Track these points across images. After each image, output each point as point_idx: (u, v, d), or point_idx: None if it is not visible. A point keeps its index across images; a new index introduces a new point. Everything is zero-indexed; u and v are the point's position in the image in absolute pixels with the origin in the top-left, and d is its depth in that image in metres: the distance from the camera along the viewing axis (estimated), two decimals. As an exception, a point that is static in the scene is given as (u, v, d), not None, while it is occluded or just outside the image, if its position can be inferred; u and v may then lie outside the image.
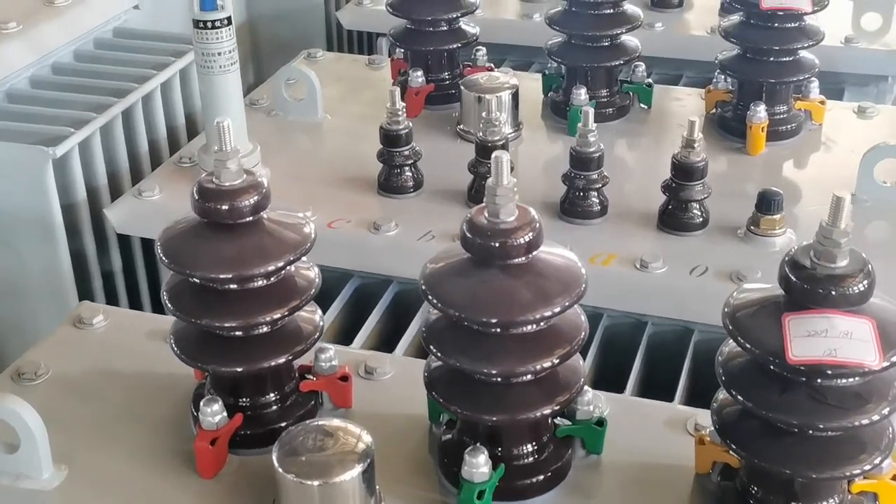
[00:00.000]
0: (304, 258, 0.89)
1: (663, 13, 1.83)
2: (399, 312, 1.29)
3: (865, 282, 0.73)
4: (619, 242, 1.22)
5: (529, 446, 0.86)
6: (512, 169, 1.26)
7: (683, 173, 1.20)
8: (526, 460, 0.86)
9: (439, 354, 0.82)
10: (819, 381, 0.74)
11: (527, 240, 0.79)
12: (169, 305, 0.88)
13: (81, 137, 1.34)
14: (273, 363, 0.89)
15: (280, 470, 0.77)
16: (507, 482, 0.83)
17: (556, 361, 0.80)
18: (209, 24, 1.25)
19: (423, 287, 0.82)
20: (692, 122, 1.19)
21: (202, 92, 1.31)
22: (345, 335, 1.26)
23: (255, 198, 0.86)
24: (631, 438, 0.92)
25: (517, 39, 1.87)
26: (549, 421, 0.87)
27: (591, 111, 1.22)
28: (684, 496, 0.87)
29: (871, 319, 0.73)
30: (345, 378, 0.95)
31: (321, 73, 1.64)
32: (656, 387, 1.18)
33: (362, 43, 2.14)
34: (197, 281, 0.86)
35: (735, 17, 1.40)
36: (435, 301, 0.81)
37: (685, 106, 1.53)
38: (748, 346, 0.75)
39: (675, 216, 1.22)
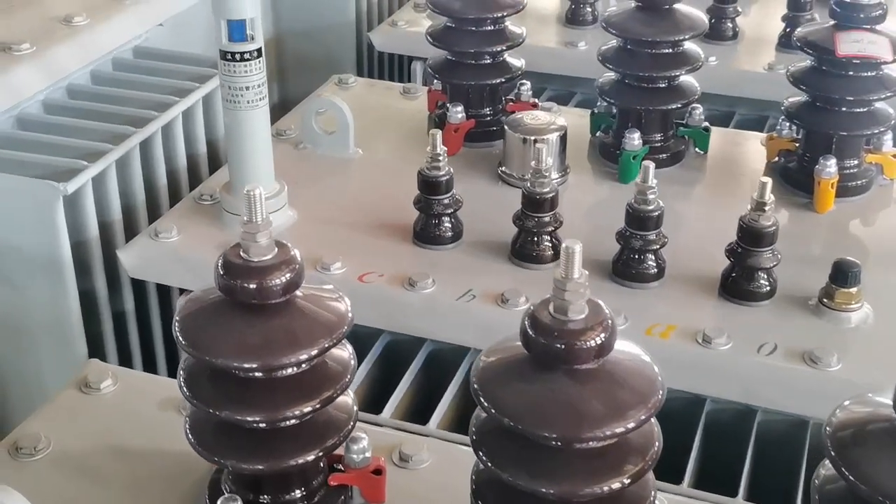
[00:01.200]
0: (338, 339, 0.79)
1: (717, 46, 1.72)
2: (433, 373, 1.19)
3: None
4: (678, 311, 1.11)
5: (588, 569, 0.75)
6: (560, 225, 1.18)
7: (751, 238, 1.09)
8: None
9: (490, 465, 0.72)
10: (938, 525, 0.64)
11: (598, 342, 0.69)
12: (185, 390, 0.78)
13: (95, 171, 1.24)
14: (301, 461, 0.79)
15: None
16: None
17: (627, 482, 0.70)
18: (237, 56, 1.15)
19: (476, 386, 0.72)
20: (763, 184, 1.08)
21: (227, 126, 1.21)
22: (374, 399, 1.16)
23: (287, 275, 0.76)
24: (699, 554, 0.82)
25: (559, 69, 1.77)
26: (611, 539, 0.77)
27: (652, 166, 1.11)
28: None
29: None
30: (378, 471, 0.85)
31: (352, 102, 1.53)
32: (713, 469, 1.08)
33: (394, 65, 2.04)
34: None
35: (806, 63, 1.29)
36: (488, 406, 0.70)
37: (744, 152, 1.42)
38: (857, 483, 0.64)
39: (739, 284, 1.11)
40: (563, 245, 0.69)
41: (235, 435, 0.79)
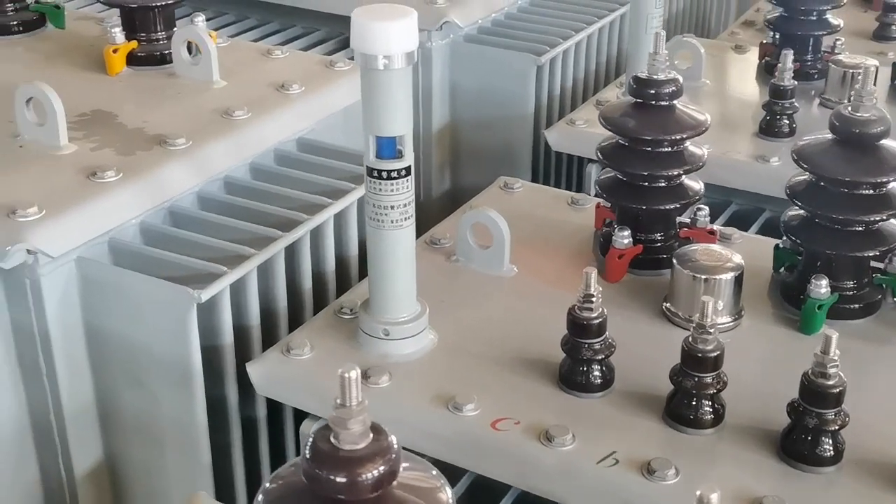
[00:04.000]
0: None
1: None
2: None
3: None
4: (855, 507, 0.96)
5: None
6: (724, 386, 1.04)
7: (951, 434, 0.93)
8: None
9: None
10: None
11: None
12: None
13: (234, 278, 1.19)
14: None
15: None
16: None
17: None
18: (384, 175, 1.08)
19: None
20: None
21: (370, 244, 1.14)
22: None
23: (381, 468, 0.66)
24: None
25: (747, 184, 1.63)
26: None
27: (835, 337, 0.96)
28: None
29: None
30: None
31: (515, 209, 1.45)
32: None
33: (569, 164, 1.94)
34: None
35: None
36: None
37: (952, 306, 1.24)
38: None
39: (933, 485, 0.95)
40: (698, 494, 0.57)
41: None
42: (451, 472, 1.10)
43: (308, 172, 1.42)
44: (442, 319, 1.21)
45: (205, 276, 1.18)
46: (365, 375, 1.12)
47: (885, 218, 1.17)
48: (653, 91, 1.26)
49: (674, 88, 1.26)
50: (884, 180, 1.15)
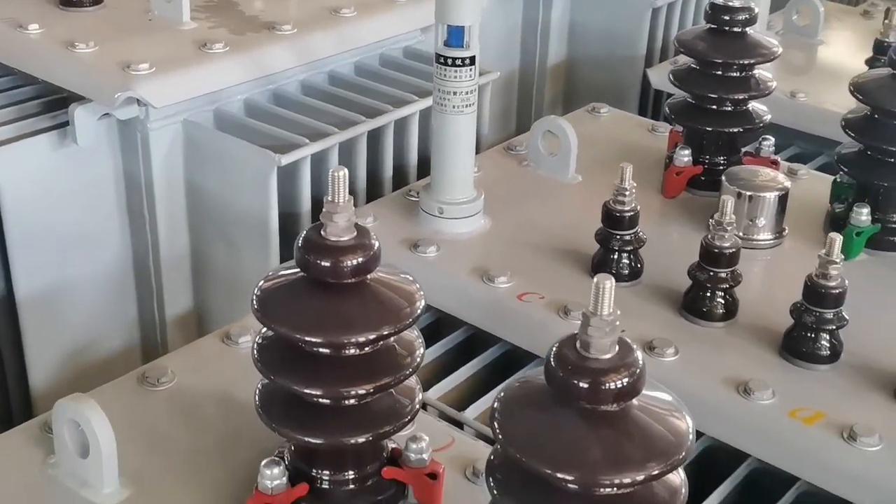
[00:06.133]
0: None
1: None
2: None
3: None
4: (839, 402, 1.00)
5: None
6: (737, 283, 1.10)
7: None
8: None
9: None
10: None
11: (620, 385, 0.65)
12: (255, 355, 0.81)
13: (314, 150, 1.32)
14: (351, 441, 0.80)
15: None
16: None
17: None
18: (450, 61, 1.18)
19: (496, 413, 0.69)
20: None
21: (434, 129, 1.25)
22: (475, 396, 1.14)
23: (360, 259, 0.77)
24: None
25: (840, 135, 1.64)
26: None
27: (839, 240, 1.02)
28: None
29: None
30: (433, 475, 0.84)
31: (596, 131, 1.53)
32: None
33: (673, 105, 1.99)
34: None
35: None
36: (501, 437, 0.68)
37: None
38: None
39: (916, 388, 0.99)
40: (595, 279, 0.65)
41: (296, 406, 0.81)
42: (487, 341, 1.20)
43: (407, 75, 1.53)
44: (499, 211, 1.30)
45: (289, 147, 1.31)
46: (415, 245, 1.23)
47: (935, 152, 1.20)
48: (727, 17, 1.32)
49: (747, 16, 1.32)
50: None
